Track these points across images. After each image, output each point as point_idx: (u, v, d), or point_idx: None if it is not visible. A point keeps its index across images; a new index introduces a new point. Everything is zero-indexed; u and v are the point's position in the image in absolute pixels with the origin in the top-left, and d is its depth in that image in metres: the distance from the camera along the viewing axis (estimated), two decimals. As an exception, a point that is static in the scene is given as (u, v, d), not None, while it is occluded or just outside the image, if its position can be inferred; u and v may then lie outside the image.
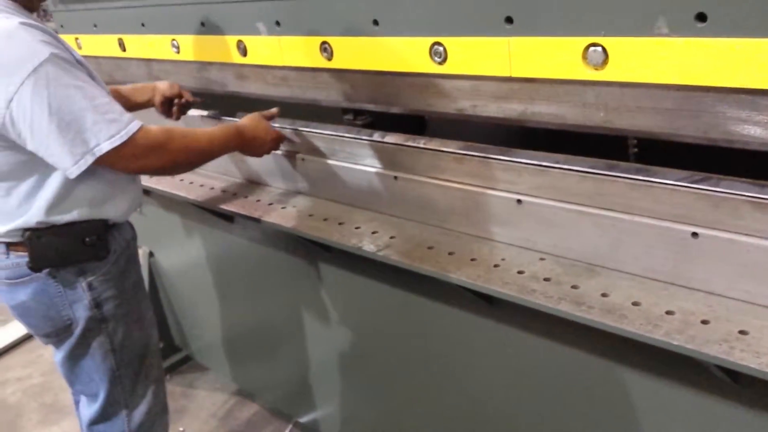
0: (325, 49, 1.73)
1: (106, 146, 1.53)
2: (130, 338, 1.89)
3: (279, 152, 1.99)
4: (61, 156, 1.54)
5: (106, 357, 1.86)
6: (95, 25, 2.52)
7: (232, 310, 2.61)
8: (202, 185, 2.24)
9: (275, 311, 2.34)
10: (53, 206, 1.68)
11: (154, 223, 2.74)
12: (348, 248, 1.69)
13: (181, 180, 2.30)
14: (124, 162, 1.60)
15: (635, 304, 1.26)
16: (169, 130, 1.69)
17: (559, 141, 1.49)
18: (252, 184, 2.18)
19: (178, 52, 2.19)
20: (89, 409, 1.94)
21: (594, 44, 1.23)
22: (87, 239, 1.75)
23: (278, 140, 1.97)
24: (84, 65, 1.62)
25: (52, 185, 1.66)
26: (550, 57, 1.30)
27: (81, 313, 1.81)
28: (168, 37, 2.19)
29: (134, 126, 1.57)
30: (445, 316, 1.69)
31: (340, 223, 1.80)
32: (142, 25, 2.28)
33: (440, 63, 1.49)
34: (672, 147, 1.27)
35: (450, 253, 1.54)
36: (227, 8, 1.95)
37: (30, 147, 1.56)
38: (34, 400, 3.20)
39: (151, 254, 2.99)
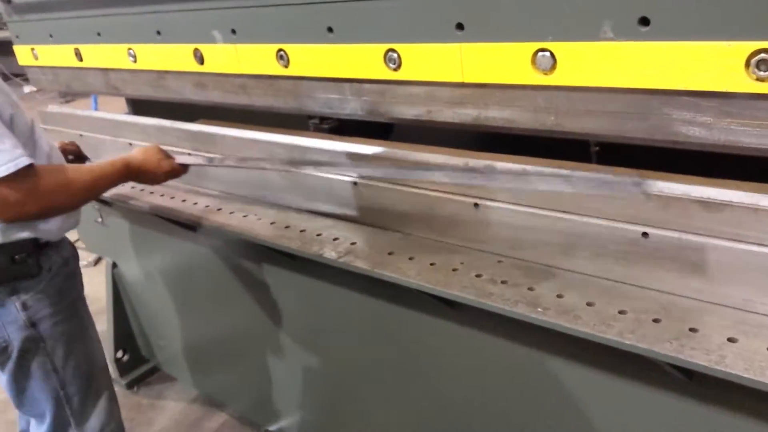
0: (282, 57, 1.72)
1: None
2: (72, 356, 1.86)
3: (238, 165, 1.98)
4: None
5: (48, 377, 1.83)
6: (51, 35, 2.48)
7: (197, 319, 2.59)
8: (163, 195, 2.21)
9: (240, 320, 2.32)
10: None
11: (117, 233, 2.71)
12: (310, 256, 1.69)
13: (142, 190, 2.27)
14: (4, 203, 1.54)
15: (589, 304, 1.28)
16: (50, 170, 1.65)
17: (521, 142, 1.51)
18: (214, 193, 2.16)
19: (135, 62, 2.17)
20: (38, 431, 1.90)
21: (542, 49, 1.24)
22: (16, 257, 1.72)
23: (172, 172, 1.91)
24: None
25: None
26: (500, 62, 1.31)
27: (16, 333, 1.78)
28: (124, 47, 2.17)
29: (25, 160, 1.52)
30: (408, 320, 1.70)
31: (301, 231, 1.79)
32: (98, 34, 2.25)
33: (395, 69, 1.49)
34: (632, 148, 1.29)
35: (410, 258, 1.55)
36: (183, 17, 1.94)
37: None
38: (-3, 418, 3.14)
39: (114, 265, 2.95)
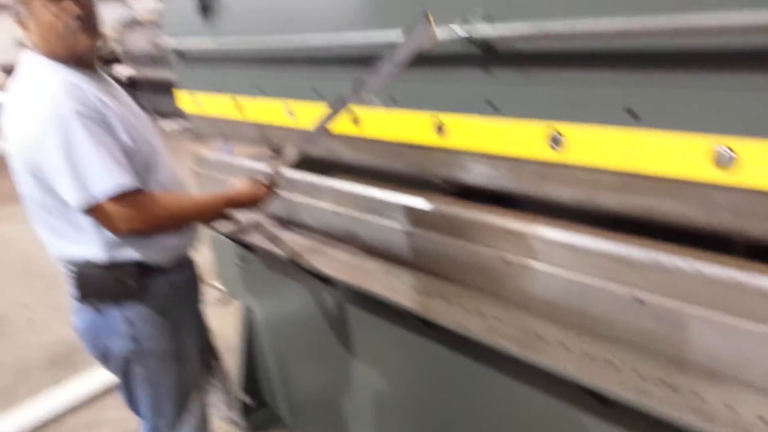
0: (439, 128, 1.75)
1: (102, 194, 1.79)
2: (167, 374, 2.11)
3: (385, 222, 2.01)
4: (69, 195, 1.81)
5: (146, 388, 2.08)
6: (212, 86, 2.66)
7: (327, 372, 2.63)
8: (307, 247, 2.28)
9: (372, 379, 2.33)
10: (91, 245, 1.92)
11: (254, 277, 2.82)
12: (453, 328, 1.68)
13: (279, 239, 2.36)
14: (116, 218, 1.82)
15: (763, 420, 1.18)
16: (158, 196, 1.92)
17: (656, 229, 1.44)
18: (355, 248, 2.20)
19: (293, 117, 2.28)
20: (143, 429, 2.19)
21: (723, 145, 1.19)
22: (124, 279, 1.98)
23: (266, 194, 2.11)
24: (110, 123, 1.88)
25: (85, 225, 1.90)
26: (675, 154, 1.27)
27: (118, 345, 2.03)
28: (283, 103, 2.29)
29: (129, 183, 1.82)
30: (552, 410, 1.64)
31: (445, 300, 1.79)
32: (259, 89, 2.39)
33: (558, 151, 1.48)
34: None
35: (564, 347, 1.50)
36: (342, 79, 2.02)
37: (51, 183, 1.83)
38: (129, 441, 3.32)
39: (249, 309, 3.06)
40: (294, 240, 2.35)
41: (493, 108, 1.59)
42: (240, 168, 2.66)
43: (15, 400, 3.88)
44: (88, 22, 1.93)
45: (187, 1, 2.51)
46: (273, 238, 2.41)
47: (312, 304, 2.54)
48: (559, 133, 1.46)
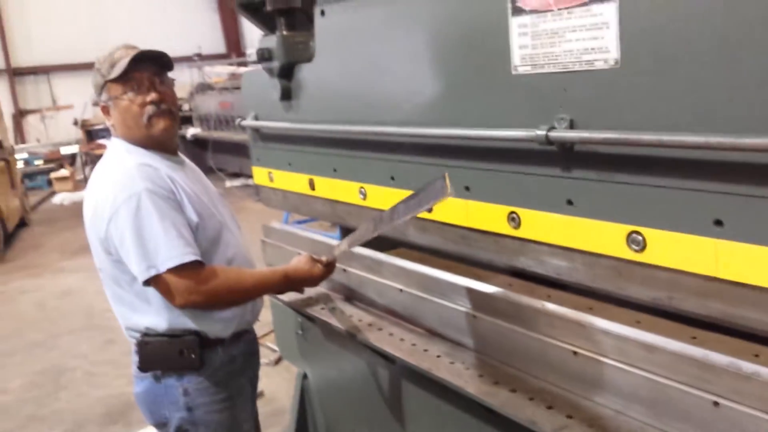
0: (513, 219, 1.79)
1: (163, 266, 1.86)
2: None
3: (451, 305, 2.03)
4: (135, 266, 1.90)
5: None
6: (289, 164, 2.77)
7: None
8: (369, 323, 2.31)
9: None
10: (153, 314, 2.01)
11: (312, 344, 2.85)
12: (519, 419, 1.67)
13: (359, 321, 2.39)
14: (175, 290, 1.90)
15: None
16: (218, 270, 1.98)
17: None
18: (419, 329, 2.22)
19: (365, 199, 2.35)
20: None
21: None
22: (184, 351, 2.04)
23: (323, 275, 2.18)
24: (179, 201, 1.99)
25: (149, 295, 1.99)
26: (760, 265, 1.27)
27: (175, 413, 2.07)
28: (357, 185, 2.36)
29: (190, 257, 1.89)
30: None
31: (511, 390, 1.78)
32: (334, 170, 2.48)
33: (638, 251, 1.49)
34: None
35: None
36: (417, 168, 2.09)
37: (119, 255, 1.94)
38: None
39: (305, 376, 3.08)
40: (356, 314, 2.38)
41: (571, 205, 1.62)
42: (305, 241, 2.74)
43: (68, 453, 3.94)
44: (165, 107, 2.06)
45: (268, 83, 2.65)
46: (335, 312, 2.45)
47: (369, 377, 2.54)
48: (639, 234, 1.48)
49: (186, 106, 14.03)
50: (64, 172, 13.99)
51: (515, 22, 1.66)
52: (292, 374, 3.19)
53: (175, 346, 2.04)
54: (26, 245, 9.69)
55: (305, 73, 2.52)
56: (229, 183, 12.44)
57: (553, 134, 1.55)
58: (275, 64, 2.57)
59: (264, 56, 2.58)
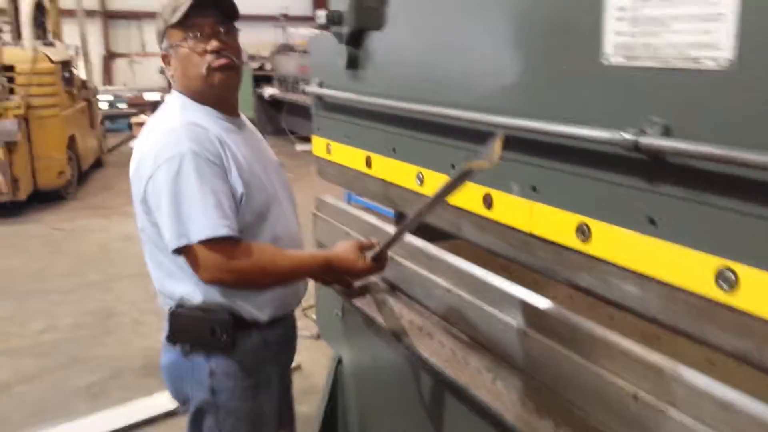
0: (583, 231, 1.56)
1: (195, 236, 1.73)
2: (238, 430, 1.99)
3: (501, 315, 1.83)
4: (167, 231, 1.78)
5: None
6: (347, 137, 2.60)
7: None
8: (410, 320, 2.13)
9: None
10: (190, 283, 1.87)
11: (351, 330, 2.71)
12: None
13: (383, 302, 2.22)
14: (203, 264, 1.76)
15: None
16: (254, 248, 1.82)
17: None
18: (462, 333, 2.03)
19: (421, 185, 2.15)
20: None
21: None
22: (216, 329, 1.89)
23: (368, 270, 1.98)
24: (225, 167, 1.84)
25: (185, 265, 1.83)
26: None
27: (198, 393, 1.96)
28: (415, 168, 2.17)
29: (224, 231, 1.74)
30: None
31: (556, 424, 1.57)
32: (393, 150, 2.29)
33: (727, 291, 1.24)
34: None
35: None
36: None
37: (155, 219, 1.83)
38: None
39: (339, 361, 2.95)
40: (400, 310, 2.20)
41: (653, 225, 1.38)
42: (358, 222, 2.57)
43: (102, 399, 3.96)
44: (226, 57, 1.89)
45: (335, 50, 2.47)
46: (380, 305, 2.28)
47: (405, 375, 2.38)
48: (732, 272, 1.23)
49: (268, 66, 14.09)
50: (144, 117, 14.34)
51: (613, 4, 1.41)
52: (331, 350, 3.06)
53: (207, 323, 1.91)
54: (98, 186, 9.97)
55: (375, 42, 2.33)
56: (300, 147, 12.43)
57: (643, 140, 1.31)
58: (344, 29, 2.38)
59: (333, 20, 2.39)
